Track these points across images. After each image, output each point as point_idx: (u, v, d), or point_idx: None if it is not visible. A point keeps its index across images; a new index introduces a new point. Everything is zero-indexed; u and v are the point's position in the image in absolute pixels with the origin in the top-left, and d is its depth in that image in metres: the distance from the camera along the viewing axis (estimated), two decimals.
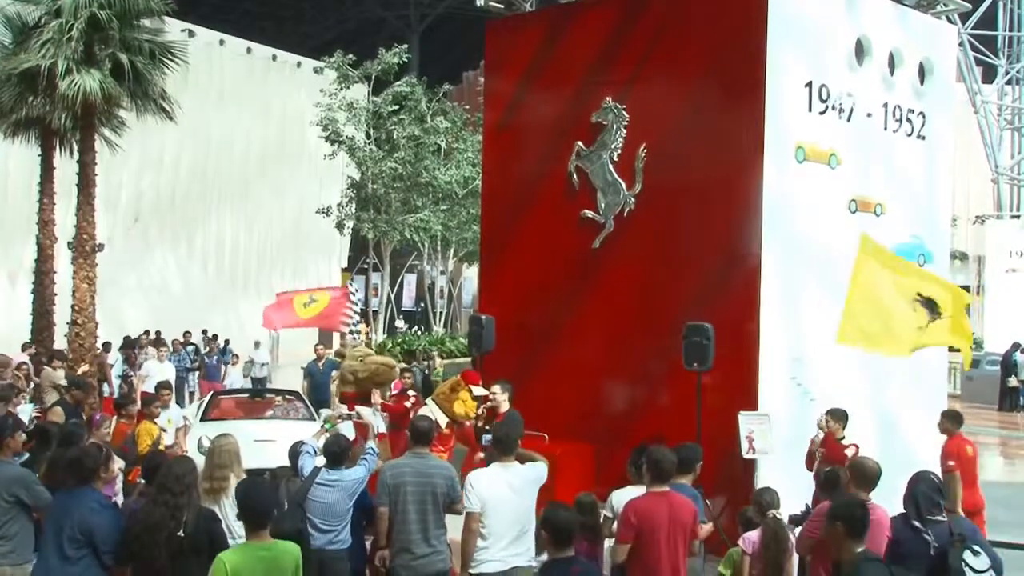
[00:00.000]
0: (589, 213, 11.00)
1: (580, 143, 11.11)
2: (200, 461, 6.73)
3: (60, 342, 19.17)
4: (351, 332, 16.28)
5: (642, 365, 10.35)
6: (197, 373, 19.63)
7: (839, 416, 8.49)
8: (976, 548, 5.40)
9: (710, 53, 10.05)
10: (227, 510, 6.21)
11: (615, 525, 6.23)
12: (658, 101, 10.55)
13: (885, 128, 10.90)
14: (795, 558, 6.59)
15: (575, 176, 11.17)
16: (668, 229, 10.33)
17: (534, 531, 6.17)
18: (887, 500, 6.13)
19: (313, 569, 6.02)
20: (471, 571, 6.12)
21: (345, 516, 6.60)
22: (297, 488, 6.78)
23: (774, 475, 8.39)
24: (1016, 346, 23.82)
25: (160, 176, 33.45)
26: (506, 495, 6.13)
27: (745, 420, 9.04)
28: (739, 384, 9.43)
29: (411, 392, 10.66)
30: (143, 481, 6.54)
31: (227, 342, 23.14)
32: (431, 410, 9.23)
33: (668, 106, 10.47)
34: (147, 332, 22.38)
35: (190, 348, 20.71)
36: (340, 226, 28.98)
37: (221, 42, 34.61)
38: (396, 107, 27.20)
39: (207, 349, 21.03)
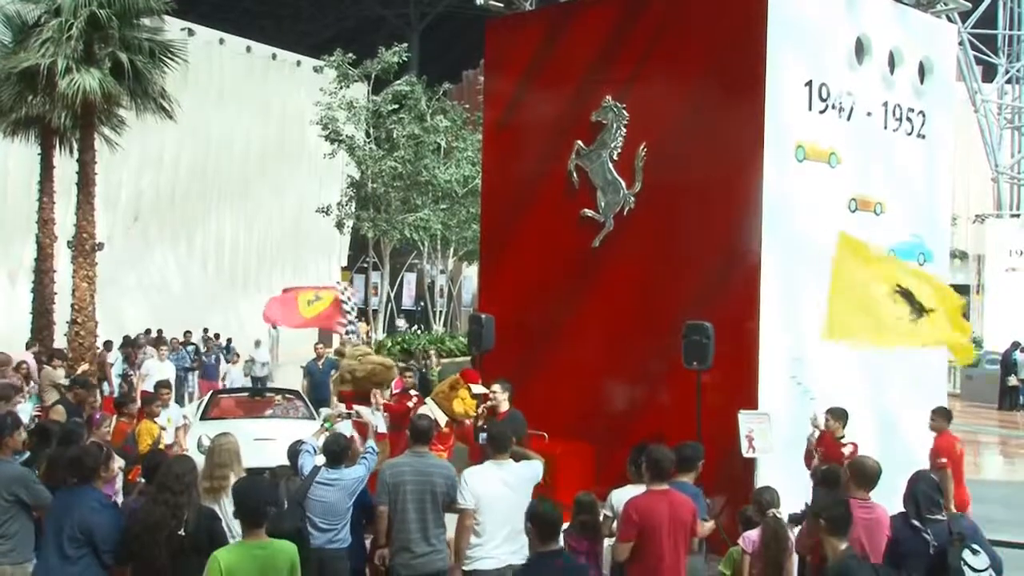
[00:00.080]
0: (589, 212, 11.00)
1: (580, 142, 11.11)
2: (200, 460, 6.74)
3: (60, 341, 19.17)
4: (347, 334, 16.24)
5: (642, 364, 10.35)
6: (196, 373, 19.65)
7: (839, 415, 8.51)
8: (975, 547, 5.40)
9: (710, 52, 10.05)
10: (227, 509, 6.20)
11: (615, 524, 6.23)
12: (658, 100, 10.54)
13: (885, 127, 10.89)
14: (795, 557, 6.59)
15: (575, 175, 11.17)
16: (668, 228, 10.33)
17: None
18: (887, 500, 6.14)
19: (313, 568, 6.02)
20: (465, 568, 6.13)
21: (345, 515, 6.60)
22: (297, 487, 6.78)
23: (774, 474, 8.39)
24: (1016, 345, 23.83)
25: (160, 175, 33.46)
26: (500, 492, 6.13)
27: (745, 419, 9.04)
28: (739, 383, 9.43)
29: (413, 392, 10.64)
30: (143, 480, 6.54)
31: (229, 341, 23.16)
32: (430, 409, 9.23)
33: (668, 105, 10.47)
34: (148, 331, 22.39)
35: (190, 348, 20.71)
36: (340, 225, 28.97)
37: (221, 41, 34.62)
38: (396, 106, 27.18)
39: (205, 348, 21.04)
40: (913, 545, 5.54)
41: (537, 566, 5.07)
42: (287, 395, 14.37)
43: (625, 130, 10.72)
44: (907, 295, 8.25)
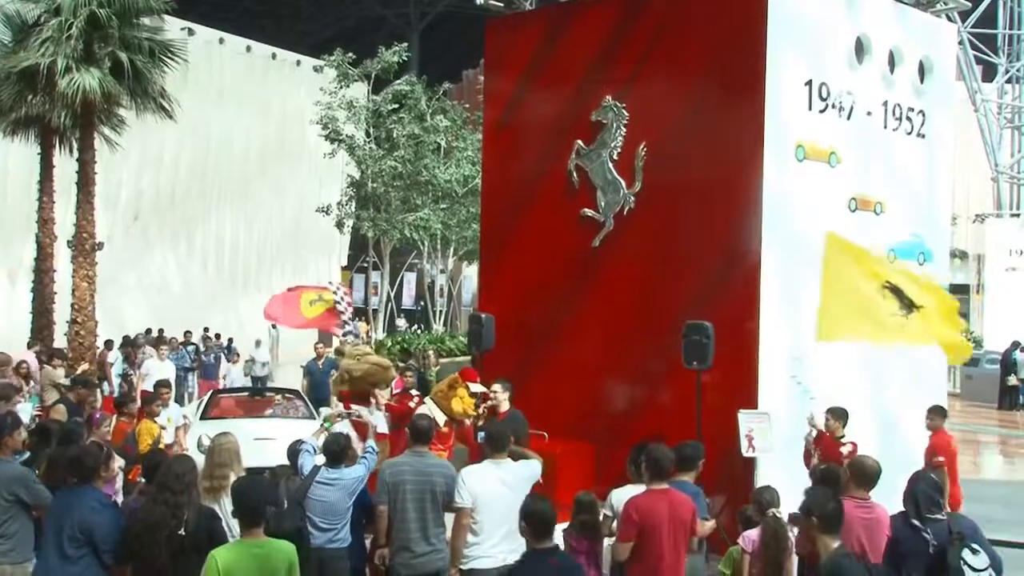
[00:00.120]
0: (589, 212, 10.99)
1: (580, 142, 11.11)
2: (200, 460, 6.74)
3: (60, 341, 19.18)
4: (345, 335, 16.22)
5: (642, 364, 10.34)
6: (196, 372, 19.63)
7: (839, 415, 8.51)
8: (975, 546, 5.40)
9: (710, 51, 10.04)
10: (227, 508, 6.20)
11: (615, 524, 6.23)
12: (658, 99, 10.54)
13: (885, 126, 10.89)
14: (795, 557, 6.59)
15: (575, 175, 11.16)
16: (668, 228, 10.32)
17: None
18: (887, 499, 6.14)
19: (313, 568, 6.03)
20: (463, 567, 6.12)
21: (345, 515, 6.60)
22: (297, 487, 6.78)
23: (774, 474, 8.39)
24: (1016, 344, 23.83)
25: (160, 175, 33.47)
26: (498, 491, 6.13)
27: (745, 419, 9.04)
28: (739, 383, 9.43)
29: (414, 392, 10.61)
30: (143, 480, 6.54)
31: (231, 340, 23.14)
32: (428, 408, 9.22)
33: (668, 104, 10.46)
34: (149, 331, 22.39)
35: (191, 348, 20.71)
36: (340, 225, 28.98)
37: (221, 40, 34.63)
38: (396, 105, 27.18)
39: (204, 348, 21.04)
40: (913, 545, 5.54)
41: (530, 563, 5.07)
42: (287, 395, 14.37)
43: (625, 130, 10.72)
44: (896, 291, 8.29)
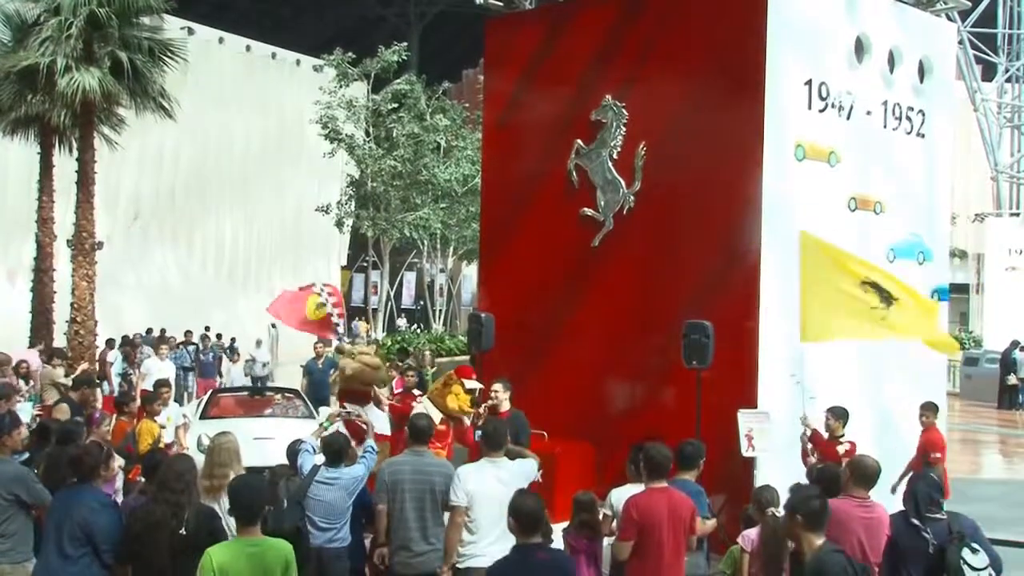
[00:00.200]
0: (588, 211, 10.99)
1: (579, 141, 11.11)
2: (200, 459, 6.74)
3: (60, 340, 19.18)
4: (340, 338, 16.18)
5: (642, 363, 10.35)
6: (194, 372, 19.63)
7: (839, 414, 8.52)
8: (975, 546, 5.39)
9: (710, 51, 10.04)
10: (227, 508, 6.21)
11: (615, 523, 6.24)
12: (658, 99, 10.54)
13: (885, 126, 10.90)
14: None
15: (574, 174, 11.16)
16: (668, 227, 10.32)
17: None
18: (887, 499, 6.14)
19: (312, 567, 6.03)
20: (459, 566, 6.12)
21: (344, 514, 6.60)
22: (296, 486, 6.77)
23: (773, 473, 8.39)
24: (1015, 344, 23.82)
25: (159, 174, 33.48)
26: (495, 490, 6.11)
27: (744, 418, 9.04)
28: (738, 382, 9.43)
29: (416, 391, 10.57)
30: (143, 479, 6.54)
31: (233, 340, 23.12)
32: (425, 406, 9.21)
33: (668, 104, 10.46)
34: (150, 331, 22.38)
35: (191, 348, 20.71)
36: (339, 224, 29.01)
37: (220, 40, 34.65)
38: (395, 105, 27.21)
39: (202, 347, 21.04)
40: (913, 544, 5.53)
41: (518, 557, 5.06)
42: (287, 394, 14.37)
43: (625, 129, 10.72)
44: (874, 286, 8.29)
